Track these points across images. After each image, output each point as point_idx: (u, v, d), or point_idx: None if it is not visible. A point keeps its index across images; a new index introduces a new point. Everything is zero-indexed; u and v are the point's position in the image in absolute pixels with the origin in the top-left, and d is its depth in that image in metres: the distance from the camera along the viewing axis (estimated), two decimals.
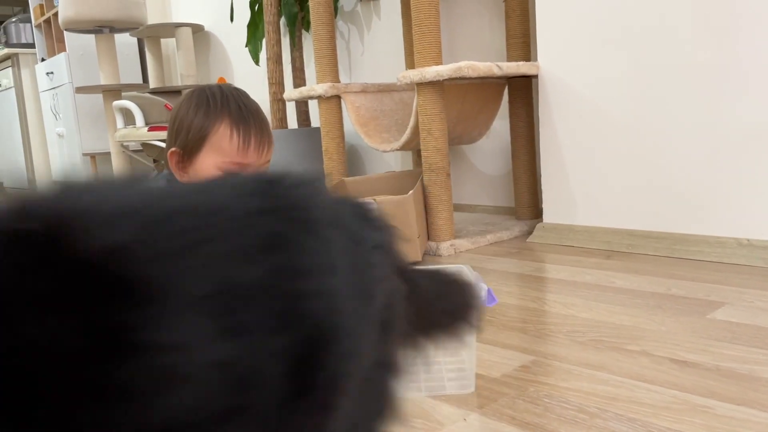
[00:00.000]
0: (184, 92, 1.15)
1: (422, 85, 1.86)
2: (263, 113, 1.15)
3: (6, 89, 4.69)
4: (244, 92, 1.15)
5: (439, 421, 0.85)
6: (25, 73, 4.49)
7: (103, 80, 3.40)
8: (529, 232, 2.04)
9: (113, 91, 3.38)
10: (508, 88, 2.18)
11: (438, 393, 0.94)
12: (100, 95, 3.61)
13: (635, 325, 1.16)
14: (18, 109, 4.53)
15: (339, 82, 2.26)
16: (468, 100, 2.06)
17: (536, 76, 1.94)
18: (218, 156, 1.08)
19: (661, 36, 1.64)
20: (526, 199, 2.19)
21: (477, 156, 2.54)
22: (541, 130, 1.94)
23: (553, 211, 1.95)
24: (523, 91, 2.15)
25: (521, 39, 2.13)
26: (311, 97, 2.29)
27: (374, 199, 1.74)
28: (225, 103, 1.09)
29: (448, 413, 0.87)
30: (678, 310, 1.23)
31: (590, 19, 1.78)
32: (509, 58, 2.16)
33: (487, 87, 2.08)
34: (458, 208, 2.60)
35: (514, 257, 1.79)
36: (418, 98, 1.89)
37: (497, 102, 2.18)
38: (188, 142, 1.08)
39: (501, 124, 2.37)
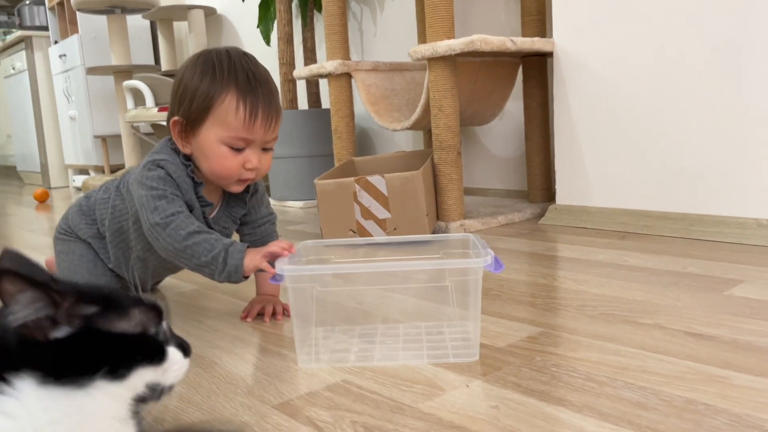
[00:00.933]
0: (191, 56, 1.09)
1: (434, 61, 1.82)
2: (273, 82, 1.08)
3: (19, 72, 4.70)
4: (254, 58, 1.08)
5: (440, 387, 0.81)
6: (38, 56, 4.49)
7: (115, 61, 3.39)
8: (542, 215, 1.99)
9: (124, 72, 3.36)
10: (523, 68, 2.13)
11: (442, 361, 0.90)
12: (112, 78, 3.60)
13: (649, 300, 1.11)
14: (31, 92, 4.54)
15: (349, 59, 2.22)
16: (480, 79, 2.01)
17: (551, 55, 1.89)
18: (223, 129, 1.02)
19: (680, 13, 1.58)
20: (539, 181, 2.14)
21: (489, 138, 2.49)
22: (555, 108, 1.89)
23: (566, 193, 1.90)
24: (537, 71, 2.10)
25: (536, 16, 2.08)
26: (321, 75, 2.25)
27: (383, 176, 1.70)
28: (232, 70, 1.02)
29: (450, 380, 0.83)
30: (694, 287, 1.18)
31: None
32: (524, 36, 2.10)
33: (500, 66, 2.03)
34: (470, 191, 2.56)
35: (525, 237, 1.75)
36: (429, 74, 1.84)
37: (511, 82, 2.13)
38: (192, 112, 1.03)
39: (514, 106, 2.32)
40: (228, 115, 1.01)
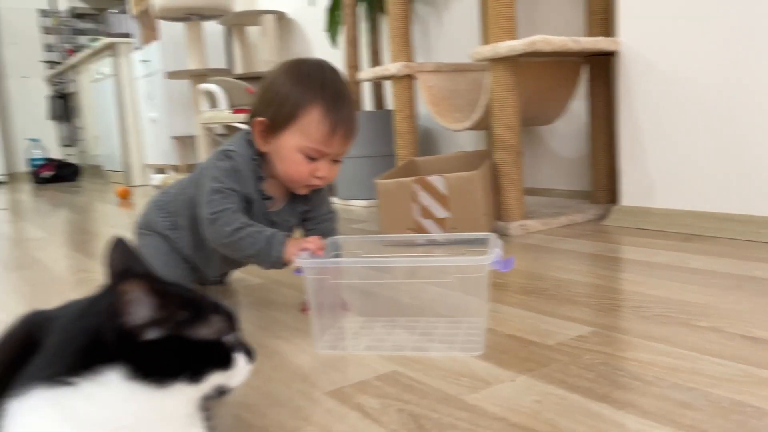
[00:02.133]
0: (282, 62, 1.16)
1: (495, 61, 1.83)
2: (354, 102, 1.14)
3: (106, 77, 4.97)
4: (341, 75, 1.13)
5: (486, 381, 0.83)
6: (123, 62, 4.74)
7: (191, 66, 3.55)
8: (605, 216, 1.97)
9: (200, 76, 3.52)
10: (588, 67, 2.11)
11: (447, 353, 0.94)
12: (189, 81, 3.77)
13: (708, 303, 1.10)
14: (116, 95, 4.80)
15: (412, 61, 2.26)
16: (543, 79, 2.00)
17: (616, 54, 1.86)
18: (303, 139, 1.08)
19: (752, 10, 1.53)
20: (604, 182, 2.11)
21: (554, 138, 2.47)
22: (620, 108, 1.86)
23: (630, 194, 1.87)
24: (603, 70, 2.07)
25: (601, 15, 2.05)
26: (384, 77, 2.29)
27: (442, 176, 1.73)
28: (323, 86, 1.08)
29: (497, 374, 0.85)
30: (758, 291, 1.15)
31: None
32: (589, 35, 2.08)
33: (563, 66, 2.02)
34: (533, 192, 2.54)
35: (586, 238, 1.73)
36: (491, 75, 1.86)
37: (574, 82, 2.11)
38: (277, 116, 1.09)
39: (579, 105, 2.29)
40: (310, 127, 1.08)
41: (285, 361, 0.95)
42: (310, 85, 1.08)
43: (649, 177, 1.81)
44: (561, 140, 2.45)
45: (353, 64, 2.84)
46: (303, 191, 1.17)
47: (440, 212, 1.74)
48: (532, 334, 1.00)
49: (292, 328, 1.11)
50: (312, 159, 1.10)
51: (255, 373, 0.90)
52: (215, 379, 0.55)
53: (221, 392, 0.57)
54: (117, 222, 2.77)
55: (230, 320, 0.58)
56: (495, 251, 0.92)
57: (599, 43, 1.82)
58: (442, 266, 1.05)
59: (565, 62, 2.02)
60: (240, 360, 0.59)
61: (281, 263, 1.06)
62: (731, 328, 0.97)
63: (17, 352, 0.62)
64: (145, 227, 1.28)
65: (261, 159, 1.14)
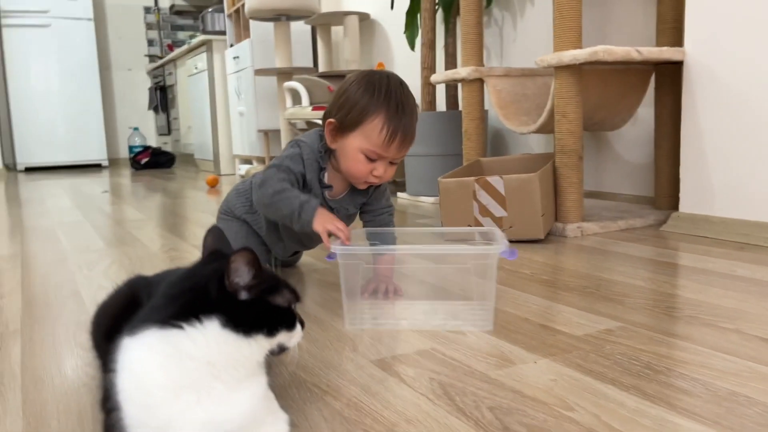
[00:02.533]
0: (358, 71, 1.32)
1: (560, 69, 1.91)
2: (416, 111, 1.29)
3: (201, 72, 5.32)
4: (407, 88, 1.28)
5: (512, 361, 0.94)
6: (216, 58, 5.06)
7: (278, 64, 3.77)
8: (665, 222, 2.00)
9: (286, 74, 3.73)
10: (656, 75, 2.14)
11: (458, 329, 1.09)
12: (275, 78, 4.00)
13: (739, 308, 1.16)
14: (209, 89, 5.12)
15: (483, 66, 2.35)
16: (610, 85, 2.06)
17: (683, 63, 1.90)
18: (364, 142, 1.25)
19: None
20: (666, 188, 2.14)
21: (621, 143, 2.50)
22: (683, 117, 1.90)
23: (690, 201, 1.90)
24: (670, 78, 2.10)
25: (672, 24, 2.08)
26: (455, 80, 2.40)
27: (501, 177, 1.83)
28: (387, 97, 1.24)
29: (522, 356, 0.96)
30: None
31: (744, 2, 1.71)
32: (658, 44, 2.11)
33: (631, 73, 2.07)
34: (598, 195, 2.59)
35: (640, 243, 1.79)
36: (555, 82, 1.93)
37: (642, 89, 2.15)
38: (346, 120, 1.26)
39: (647, 112, 2.32)
40: (373, 133, 1.23)
41: (339, 334, 1.10)
42: (376, 96, 1.23)
43: (708, 185, 1.84)
44: (627, 145, 2.48)
45: (429, 66, 2.96)
46: (362, 186, 1.32)
47: (498, 211, 1.84)
48: (563, 325, 1.10)
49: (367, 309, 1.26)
50: (371, 160, 1.26)
51: (313, 341, 1.06)
52: (281, 338, 0.69)
53: (281, 350, 0.71)
54: (206, 208, 3.01)
55: (295, 295, 0.72)
56: (504, 242, 1.07)
57: (664, 53, 1.86)
58: (461, 254, 1.20)
59: (632, 70, 2.06)
60: (297, 326, 0.73)
61: (310, 227, 1.21)
62: (752, 331, 1.03)
63: (123, 306, 0.79)
64: (226, 212, 1.46)
65: (327, 152, 1.31)
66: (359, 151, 1.25)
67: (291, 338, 0.71)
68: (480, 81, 2.35)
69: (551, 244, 1.82)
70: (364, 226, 1.40)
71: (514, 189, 1.81)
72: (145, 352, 0.62)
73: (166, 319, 0.63)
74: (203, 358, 0.63)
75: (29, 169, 6.26)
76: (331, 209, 1.32)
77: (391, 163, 1.28)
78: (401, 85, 1.27)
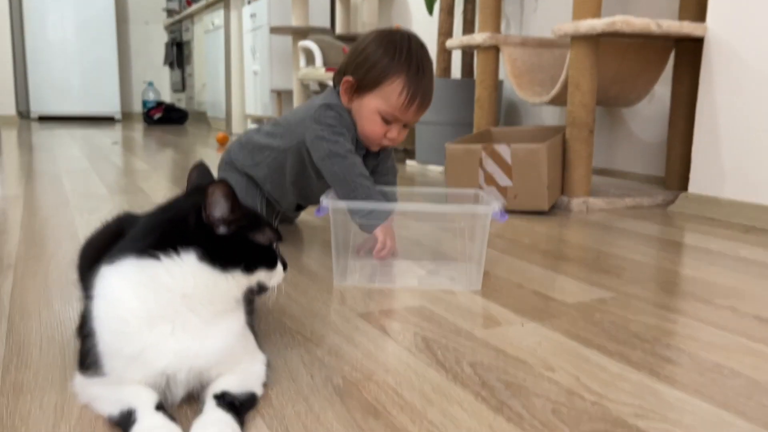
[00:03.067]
0: (377, 29, 1.29)
1: (576, 39, 1.86)
2: (434, 77, 1.27)
3: (217, 29, 5.27)
4: (426, 49, 1.26)
5: (499, 322, 0.94)
6: (233, 15, 5.01)
7: (294, 22, 3.73)
8: (673, 202, 1.98)
9: (301, 33, 3.69)
10: (676, 52, 2.09)
11: (447, 288, 1.09)
12: (291, 37, 3.96)
13: (736, 287, 1.14)
14: (224, 47, 5.08)
15: (500, 33, 2.31)
16: (627, 59, 2.01)
17: (703, 40, 1.85)
18: (383, 104, 1.22)
19: None
20: (678, 168, 2.11)
21: (635, 121, 2.46)
22: (699, 95, 1.85)
23: (700, 182, 1.87)
24: (690, 56, 2.05)
25: (695, 0, 2.02)
26: (470, 46, 2.36)
27: (508, 146, 1.80)
28: (408, 59, 1.21)
29: (510, 318, 0.95)
30: None
31: None
32: (680, 20, 2.06)
33: (649, 48, 2.02)
34: (607, 173, 2.55)
35: (645, 220, 1.76)
36: (570, 52, 1.89)
37: (660, 65, 2.10)
38: (365, 79, 1.23)
39: (665, 90, 2.27)
40: (392, 95, 1.22)
41: (330, 288, 1.09)
42: (397, 57, 1.21)
43: (720, 166, 1.80)
44: (641, 123, 2.43)
45: (445, 32, 2.92)
46: (374, 149, 1.31)
47: (504, 180, 1.82)
48: (555, 293, 1.09)
49: (344, 264, 1.25)
50: (387, 122, 1.24)
51: (302, 293, 1.05)
52: (260, 276, 0.68)
53: (261, 289, 0.70)
54: (213, 163, 3.00)
55: (277, 234, 0.71)
56: (497, 203, 1.06)
57: (684, 28, 1.81)
58: (454, 212, 1.20)
59: (652, 45, 2.02)
60: (279, 266, 0.72)
61: (371, 229, 1.20)
62: (746, 309, 1.02)
63: (109, 240, 0.79)
64: (228, 163, 1.45)
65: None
66: (376, 112, 1.23)
67: (271, 278, 0.70)
68: (496, 49, 2.30)
69: (555, 217, 1.80)
70: None
71: (520, 158, 1.79)
72: (121, 281, 0.62)
73: (144, 249, 0.63)
74: (179, 290, 0.62)
75: (42, 118, 6.28)
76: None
77: (405, 126, 1.27)
78: (422, 47, 1.25)
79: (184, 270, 0.62)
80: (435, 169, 2.80)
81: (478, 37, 2.28)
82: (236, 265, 0.65)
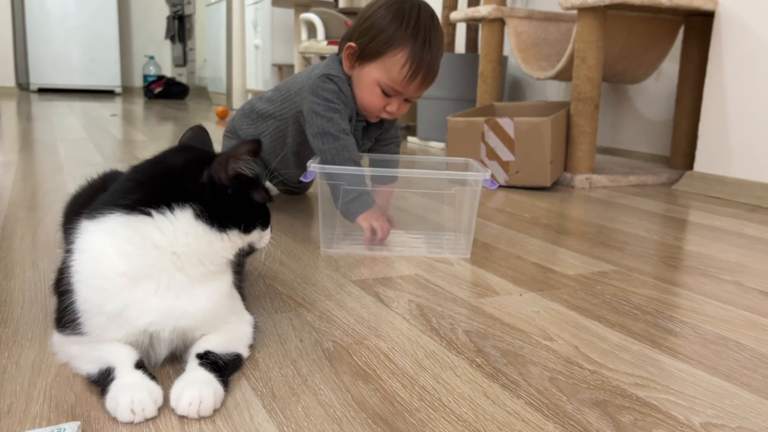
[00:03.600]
0: None
1: (583, 11, 1.82)
2: (443, 50, 1.19)
3: (219, 1, 5.20)
4: (437, 21, 1.17)
5: (497, 292, 0.91)
6: None
7: None
8: (678, 181, 1.94)
9: (304, 6, 3.63)
10: (685, 27, 2.04)
11: (437, 253, 1.08)
12: (293, 11, 3.89)
13: (742, 263, 1.11)
14: (226, 20, 5.01)
15: (505, 5, 2.26)
16: (635, 34, 1.97)
17: (714, 14, 1.80)
18: (384, 75, 1.15)
19: None
20: (683, 147, 2.07)
21: (642, 99, 2.42)
22: (708, 71, 1.81)
23: (705, 160, 1.83)
24: (699, 31, 2.00)
25: None
26: (475, 19, 2.31)
27: (512, 119, 1.76)
28: (416, 30, 1.13)
29: (509, 288, 0.93)
30: None
31: None
32: None
33: (658, 23, 1.97)
34: (612, 151, 2.52)
35: (648, 198, 1.73)
36: (577, 24, 1.85)
37: (669, 41, 2.05)
38: (368, 47, 1.16)
39: (672, 67, 2.23)
40: (394, 67, 1.14)
41: (326, 256, 1.06)
42: (404, 26, 1.13)
43: (726, 145, 1.77)
44: (648, 101, 2.39)
45: (450, 6, 2.86)
46: (373, 120, 1.25)
47: (506, 155, 1.79)
48: (556, 265, 1.06)
49: (340, 233, 1.22)
50: (387, 95, 1.18)
51: (296, 259, 1.03)
52: (253, 237, 0.65)
53: (251, 250, 0.67)
54: (214, 137, 2.96)
55: (268, 194, 0.68)
56: (487, 171, 1.03)
57: (695, 1, 1.76)
58: (445, 179, 1.15)
59: (660, 19, 1.97)
60: (270, 227, 0.69)
61: (354, 217, 1.12)
62: (751, 284, 0.99)
63: (95, 195, 0.76)
64: (231, 131, 1.42)
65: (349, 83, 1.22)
66: (376, 83, 1.17)
67: (262, 238, 0.67)
68: (501, 22, 2.25)
69: (557, 193, 1.76)
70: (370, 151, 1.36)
71: (523, 133, 1.75)
72: (105, 237, 0.59)
73: (133, 205, 0.60)
74: (168, 247, 0.59)
75: (42, 90, 6.23)
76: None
77: (406, 100, 1.21)
78: (432, 17, 1.17)
79: (177, 228, 0.59)
80: (437, 146, 2.76)
81: (483, 9, 2.23)
82: (235, 225, 0.62)
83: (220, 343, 0.62)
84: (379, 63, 1.16)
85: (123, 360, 0.57)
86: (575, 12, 1.95)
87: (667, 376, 0.66)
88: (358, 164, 1.15)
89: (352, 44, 1.18)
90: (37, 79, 6.23)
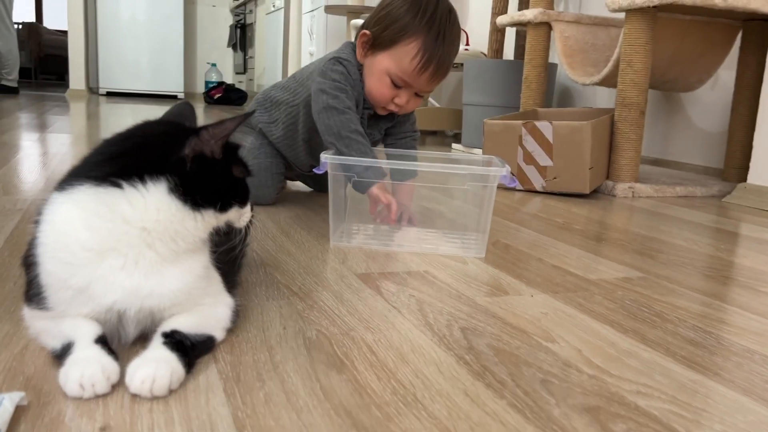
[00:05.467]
0: None
1: (631, 13, 1.74)
2: (458, 44, 1.16)
3: (278, 10, 5.29)
4: (455, 16, 1.15)
5: (506, 292, 0.86)
6: None
7: (350, 1, 3.68)
8: (729, 194, 1.83)
9: (356, 13, 3.64)
10: (743, 32, 1.93)
11: (450, 252, 1.04)
12: (346, 17, 3.91)
13: None
14: (283, 28, 5.09)
15: (552, 9, 2.19)
16: (688, 39, 1.87)
17: None
18: (394, 65, 1.13)
19: None
20: (738, 159, 1.95)
21: (695, 108, 2.30)
22: (765, 79, 1.70)
23: (760, 172, 1.72)
24: (759, 37, 1.89)
25: None
26: (521, 23, 2.25)
27: (550, 123, 1.70)
28: (431, 21, 1.11)
29: (520, 289, 0.87)
30: None
31: None
32: None
33: (714, 28, 1.87)
34: (662, 163, 2.40)
35: (695, 209, 1.63)
36: (625, 27, 1.77)
37: (725, 47, 1.94)
38: (381, 36, 1.14)
39: (729, 75, 2.11)
40: (405, 57, 1.12)
41: (333, 247, 1.03)
42: (419, 17, 1.10)
43: None
44: (702, 111, 2.27)
45: (499, 12, 2.81)
46: (381, 112, 1.22)
47: (544, 160, 1.72)
48: (578, 269, 1.00)
49: (356, 227, 1.19)
50: (396, 86, 1.15)
51: (304, 251, 1.00)
52: (231, 215, 0.63)
53: (229, 230, 0.64)
54: None
55: (247, 168, 0.66)
56: (505, 167, 0.98)
57: (751, 3, 1.66)
58: (460, 173, 1.10)
59: (716, 24, 1.86)
60: (248, 205, 0.66)
61: (365, 189, 1.10)
62: None
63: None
64: (246, 124, 1.41)
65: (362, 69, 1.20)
66: (386, 73, 1.14)
67: (242, 216, 0.64)
68: (547, 26, 2.19)
69: (596, 201, 1.69)
70: (386, 147, 1.32)
71: (563, 137, 1.68)
72: (73, 209, 0.57)
73: (104, 177, 0.58)
74: (138, 222, 0.57)
75: (110, 94, 6.47)
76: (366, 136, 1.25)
77: (417, 95, 1.18)
78: (449, 12, 1.14)
79: (148, 202, 0.57)
80: (480, 153, 2.70)
81: (529, 13, 2.17)
82: (211, 204, 0.59)
83: (189, 323, 0.59)
84: (390, 52, 1.13)
85: (83, 335, 0.55)
86: (616, 7, 1.86)
87: (676, 386, 0.60)
88: (365, 137, 1.12)
89: (366, 32, 1.16)
90: (105, 83, 6.48)
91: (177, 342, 0.57)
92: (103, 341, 0.56)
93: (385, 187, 1.10)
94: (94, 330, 0.56)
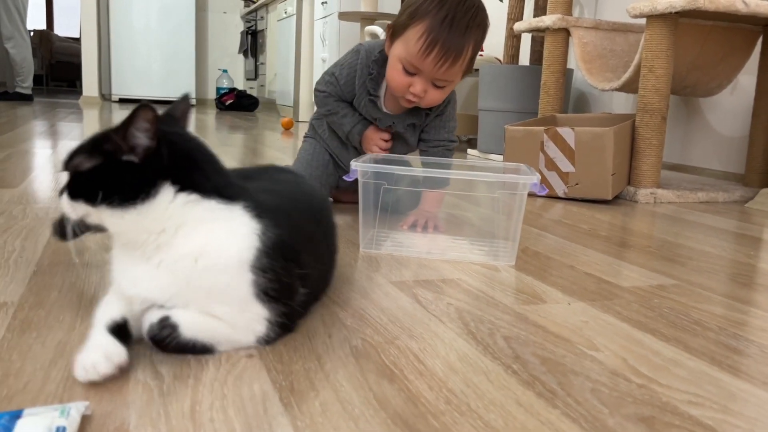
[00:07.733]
0: None
1: (653, 19, 1.74)
2: (474, 34, 1.11)
3: (290, 16, 5.31)
4: (472, 7, 1.11)
5: (544, 300, 0.86)
6: (306, 2, 5.03)
7: (363, 8, 3.70)
8: (752, 199, 1.82)
9: (369, 19, 3.65)
10: (764, 38, 1.93)
11: (481, 260, 1.04)
12: (359, 24, 3.93)
13: None
14: (296, 34, 5.11)
15: (570, 15, 2.20)
16: (709, 44, 1.87)
17: None
18: (403, 50, 1.13)
19: None
20: (760, 164, 1.95)
21: (715, 113, 2.29)
22: None
23: None
24: None
25: None
26: (539, 29, 2.26)
27: (572, 129, 1.70)
28: (440, 5, 1.10)
29: (557, 297, 0.87)
30: None
31: None
32: None
33: (734, 33, 1.86)
34: (682, 168, 2.39)
35: (719, 215, 1.63)
36: (646, 33, 1.77)
37: (746, 52, 1.94)
38: (397, 24, 1.16)
39: (749, 80, 2.10)
40: (411, 40, 1.12)
41: (368, 256, 1.04)
42: (430, 2, 1.10)
43: None
44: (722, 116, 2.26)
45: (515, 18, 2.81)
46: (404, 104, 1.22)
47: (566, 166, 1.72)
48: (611, 276, 1.00)
49: (390, 238, 1.20)
50: (409, 73, 1.15)
51: (339, 259, 1.00)
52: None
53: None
54: (277, 145, 3.01)
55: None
56: (536, 175, 0.98)
57: None
58: (490, 181, 1.10)
59: (737, 29, 1.86)
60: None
61: (353, 142, 1.33)
62: None
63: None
64: (308, 134, 1.46)
65: (383, 59, 1.24)
66: (398, 59, 1.15)
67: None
68: (565, 32, 2.19)
69: (619, 207, 1.68)
70: (420, 155, 1.34)
71: (585, 143, 1.68)
72: None
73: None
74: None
75: (122, 100, 6.51)
76: (372, 121, 1.31)
77: (436, 85, 1.16)
78: (463, 2, 1.11)
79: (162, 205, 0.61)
80: (497, 159, 2.70)
81: (548, 20, 2.17)
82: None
83: (191, 321, 0.61)
84: (402, 38, 1.14)
85: (99, 321, 0.60)
86: (644, 22, 1.87)
87: (727, 395, 0.60)
88: (343, 101, 1.31)
89: (390, 23, 1.19)
90: (118, 90, 6.53)
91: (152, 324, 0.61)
92: (121, 330, 0.60)
93: (369, 135, 1.27)
94: (111, 317, 0.60)
